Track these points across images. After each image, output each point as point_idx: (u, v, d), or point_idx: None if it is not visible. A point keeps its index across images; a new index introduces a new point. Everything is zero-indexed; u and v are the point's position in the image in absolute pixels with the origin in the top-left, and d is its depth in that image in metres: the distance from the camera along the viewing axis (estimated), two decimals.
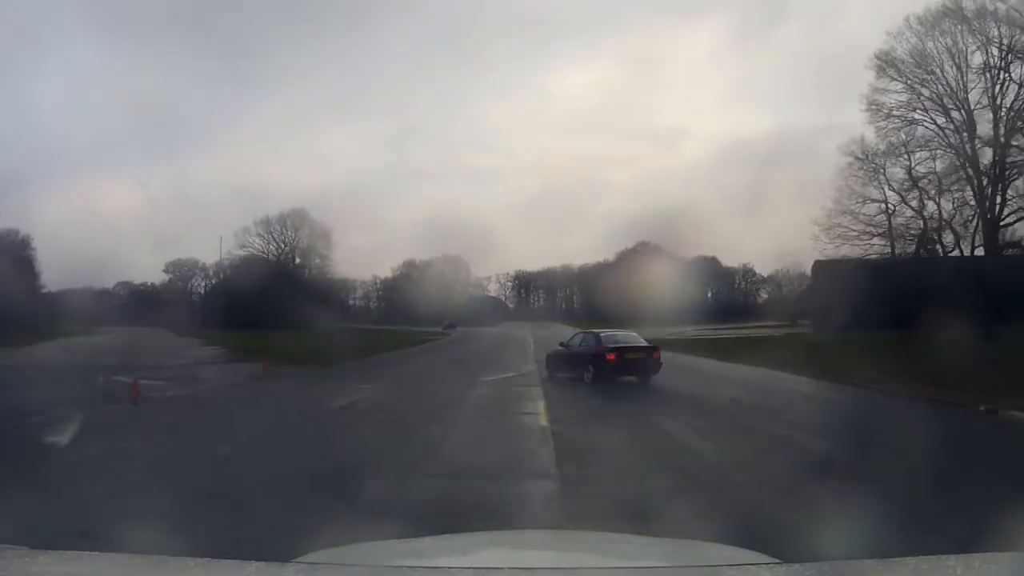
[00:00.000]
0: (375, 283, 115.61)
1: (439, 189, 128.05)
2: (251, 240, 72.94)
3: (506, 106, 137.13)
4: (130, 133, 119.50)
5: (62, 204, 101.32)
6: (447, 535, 4.08)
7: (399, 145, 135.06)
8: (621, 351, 19.72)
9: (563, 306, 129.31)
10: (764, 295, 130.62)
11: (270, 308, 56.45)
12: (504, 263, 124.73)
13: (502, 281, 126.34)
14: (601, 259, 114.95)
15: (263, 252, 71.67)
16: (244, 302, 60.40)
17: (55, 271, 66.51)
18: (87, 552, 2.11)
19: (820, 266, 46.26)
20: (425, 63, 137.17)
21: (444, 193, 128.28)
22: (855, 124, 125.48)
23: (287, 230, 71.43)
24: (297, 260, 70.37)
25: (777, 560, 2.55)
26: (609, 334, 22.00)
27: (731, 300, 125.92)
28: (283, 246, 71.71)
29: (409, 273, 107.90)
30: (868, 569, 2.11)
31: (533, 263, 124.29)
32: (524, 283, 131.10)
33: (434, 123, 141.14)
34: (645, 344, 20.64)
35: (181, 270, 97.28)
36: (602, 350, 19.89)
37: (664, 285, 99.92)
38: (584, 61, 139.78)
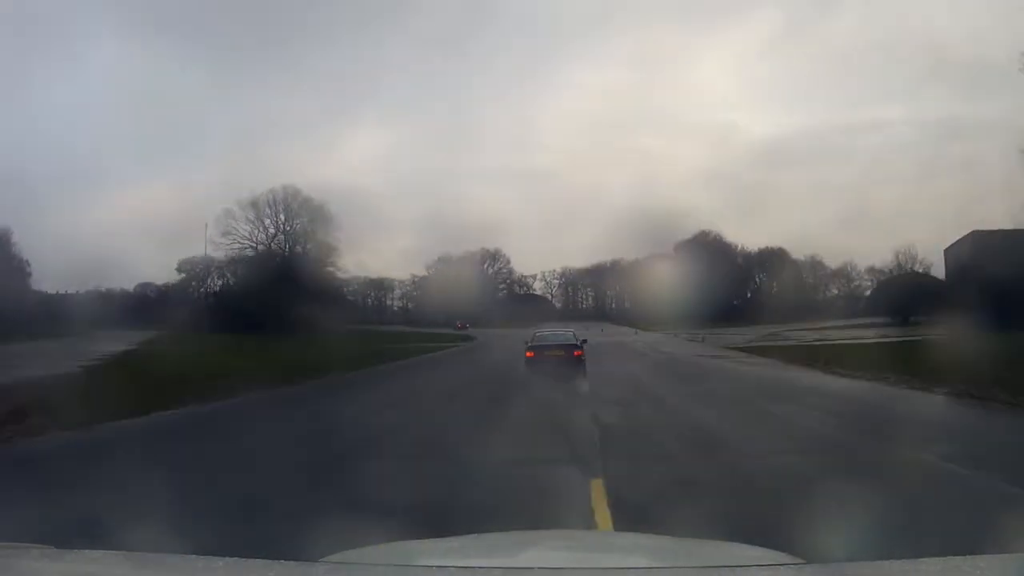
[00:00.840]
0: (413, 282, 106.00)
1: (480, 188, 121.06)
2: (236, 226, 60.61)
3: (549, 103, 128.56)
4: (155, 132, 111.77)
5: (81, 205, 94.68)
6: (477, 535, 3.76)
7: (437, 145, 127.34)
8: (540, 349, 19.99)
9: (613, 305, 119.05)
10: (834, 290, 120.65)
11: (269, 309, 47.19)
12: (550, 261, 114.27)
13: (548, 279, 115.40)
14: (656, 252, 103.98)
15: (251, 240, 60.02)
16: (241, 303, 51.08)
17: (75, 273, 58.82)
18: (113, 552, 2.15)
19: (981, 238, 34.85)
20: (463, 61, 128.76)
21: (485, 192, 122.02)
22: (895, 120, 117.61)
23: (278, 213, 59.66)
24: (298, 248, 58.43)
25: (802, 560, 2.54)
26: (541, 332, 22.81)
27: (801, 295, 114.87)
28: (274, 232, 59.59)
29: (444, 270, 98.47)
30: (896, 570, 1.96)
31: (581, 260, 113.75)
32: (571, 281, 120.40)
33: (473, 122, 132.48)
34: (568, 343, 20.68)
35: (196, 268, 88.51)
36: (527, 347, 20.33)
37: (727, 279, 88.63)
38: (624, 54, 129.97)
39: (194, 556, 2.03)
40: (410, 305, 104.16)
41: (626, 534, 4.39)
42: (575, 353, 19.66)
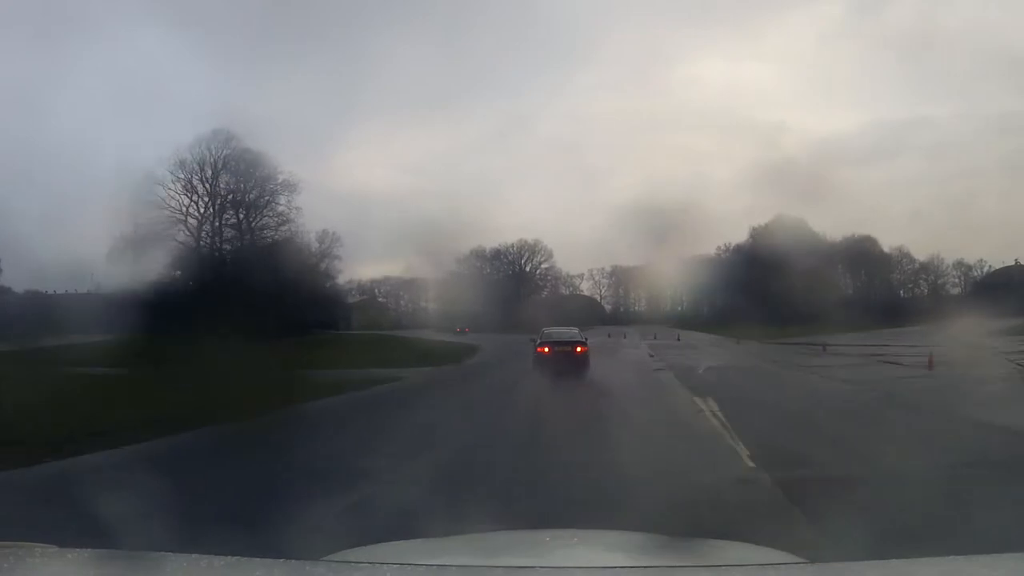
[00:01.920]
0: (445, 280, 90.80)
1: (522, 185, 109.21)
2: (164, 195, 43.73)
3: (600, 97, 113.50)
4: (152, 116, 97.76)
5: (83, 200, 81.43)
6: (478, 534, 3.67)
7: (488, 142, 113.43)
8: (552, 344, 21.73)
9: (669, 306, 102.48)
10: (924, 286, 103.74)
11: (208, 310, 31.55)
12: (598, 260, 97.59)
13: (596, 278, 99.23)
14: (724, 243, 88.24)
15: (180, 212, 42.72)
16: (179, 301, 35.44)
17: (73, 272, 45.60)
18: (114, 551, 2.11)
19: None
20: (519, 58, 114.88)
21: (527, 189, 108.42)
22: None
23: (213, 174, 41.93)
24: (245, 222, 41.95)
25: (803, 560, 2.50)
26: (549, 331, 23.53)
27: (888, 290, 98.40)
28: (208, 201, 42.41)
29: (480, 266, 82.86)
30: (896, 571, 1.97)
31: (632, 258, 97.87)
32: (623, 279, 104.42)
33: (521, 118, 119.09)
34: (573, 340, 22.32)
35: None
36: (537, 343, 22.11)
37: (810, 272, 71.33)
38: (675, 54, 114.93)
39: (196, 556, 1.94)
40: (442, 307, 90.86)
41: (627, 533, 3.88)
42: (576, 349, 21.66)
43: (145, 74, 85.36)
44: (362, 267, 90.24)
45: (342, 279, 72.06)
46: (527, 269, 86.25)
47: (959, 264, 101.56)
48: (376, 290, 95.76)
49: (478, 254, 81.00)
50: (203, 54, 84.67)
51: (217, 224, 41.13)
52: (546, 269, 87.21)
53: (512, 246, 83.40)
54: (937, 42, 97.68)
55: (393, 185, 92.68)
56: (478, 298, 63.26)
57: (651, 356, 29.13)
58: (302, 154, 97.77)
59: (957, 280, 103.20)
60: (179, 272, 39.60)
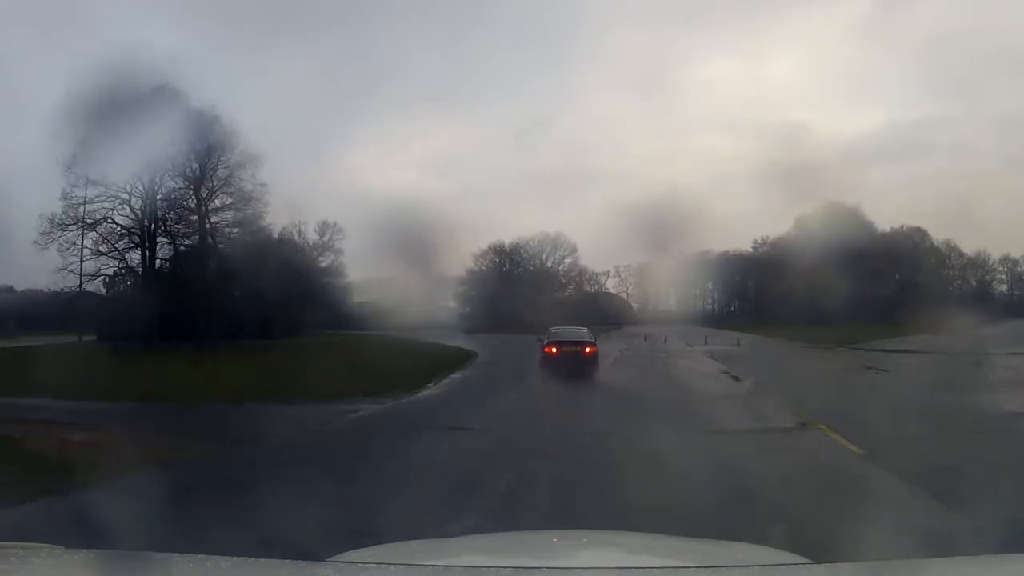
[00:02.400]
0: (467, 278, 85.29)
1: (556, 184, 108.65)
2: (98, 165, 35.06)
3: (626, 102, 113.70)
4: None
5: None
6: (483, 535, 3.73)
7: (510, 142, 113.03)
8: (560, 344, 21.29)
9: (699, 304, 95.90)
10: (972, 282, 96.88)
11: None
12: (626, 255, 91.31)
13: (623, 275, 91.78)
14: (762, 236, 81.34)
15: (123, 189, 35.12)
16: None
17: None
18: (117, 551, 2.21)
19: None
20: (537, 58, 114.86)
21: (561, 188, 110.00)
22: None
23: (165, 144, 34.36)
24: (198, 196, 34.77)
25: (807, 560, 2.43)
26: (556, 330, 23.05)
27: (937, 286, 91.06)
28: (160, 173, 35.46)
29: (500, 262, 75.98)
30: (897, 571, 1.93)
31: (661, 254, 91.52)
32: (650, 276, 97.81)
33: (544, 117, 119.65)
34: (581, 340, 21.80)
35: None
36: (545, 344, 21.77)
37: (863, 267, 63.80)
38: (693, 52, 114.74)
39: (202, 556, 1.90)
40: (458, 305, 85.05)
41: (631, 534, 3.96)
42: (587, 350, 21.02)
43: (147, 75, 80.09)
44: (375, 264, 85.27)
45: (354, 276, 66.02)
46: (548, 265, 79.34)
47: (1006, 259, 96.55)
48: (390, 287, 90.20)
49: (497, 249, 74.77)
50: (204, 55, 79.51)
51: (165, 204, 33.80)
52: (570, 264, 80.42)
53: (532, 239, 76.68)
54: (958, 40, 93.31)
55: (411, 183, 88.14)
56: (495, 296, 56.49)
57: (736, 379, 20.69)
58: (318, 154, 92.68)
59: (1004, 276, 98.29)
60: (120, 264, 32.40)
